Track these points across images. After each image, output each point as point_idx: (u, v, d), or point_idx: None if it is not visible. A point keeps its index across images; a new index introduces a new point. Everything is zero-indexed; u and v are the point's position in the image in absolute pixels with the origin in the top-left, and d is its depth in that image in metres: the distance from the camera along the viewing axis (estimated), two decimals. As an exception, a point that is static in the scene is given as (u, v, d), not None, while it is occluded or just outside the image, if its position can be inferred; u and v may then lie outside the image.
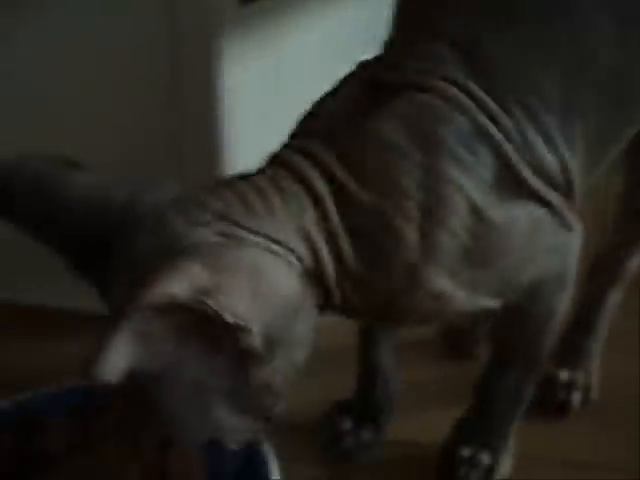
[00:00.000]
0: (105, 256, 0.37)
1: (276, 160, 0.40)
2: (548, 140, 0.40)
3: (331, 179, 0.38)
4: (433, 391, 0.64)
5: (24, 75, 0.73)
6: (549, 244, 0.43)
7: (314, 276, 0.39)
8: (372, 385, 0.56)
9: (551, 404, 0.58)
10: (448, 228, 0.39)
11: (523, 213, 0.41)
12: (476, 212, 0.40)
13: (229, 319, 0.34)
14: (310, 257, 0.39)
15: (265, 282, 0.36)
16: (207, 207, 0.37)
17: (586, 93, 0.41)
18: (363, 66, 0.43)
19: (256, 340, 0.35)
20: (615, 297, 0.60)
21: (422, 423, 0.54)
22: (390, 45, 0.43)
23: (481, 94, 0.39)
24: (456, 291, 0.41)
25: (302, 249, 0.38)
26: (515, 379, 0.48)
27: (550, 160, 0.41)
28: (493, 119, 0.39)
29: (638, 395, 0.60)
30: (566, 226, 0.43)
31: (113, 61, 0.68)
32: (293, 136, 0.43)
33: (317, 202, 0.38)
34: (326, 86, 0.64)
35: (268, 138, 0.68)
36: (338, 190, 0.38)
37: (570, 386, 0.58)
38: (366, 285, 0.41)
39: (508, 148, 0.40)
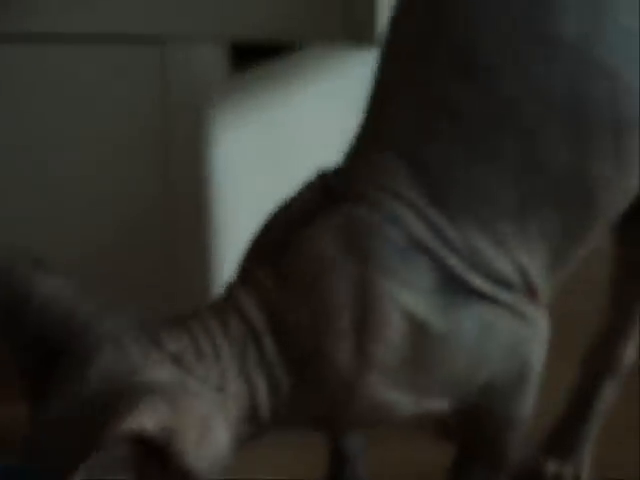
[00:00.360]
0: (54, 365, 0.40)
1: (227, 294, 0.42)
2: (500, 245, 0.40)
3: (271, 311, 0.40)
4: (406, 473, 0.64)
5: (19, 148, 0.73)
6: (505, 344, 0.42)
7: (250, 416, 0.41)
8: (340, 470, 0.56)
9: None
10: (384, 341, 0.39)
11: (472, 317, 0.40)
12: (415, 323, 0.39)
13: (183, 461, 0.37)
14: (248, 399, 0.40)
15: (209, 431, 0.39)
16: (164, 347, 0.39)
17: (541, 195, 0.40)
18: (319, 176, 0.44)
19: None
20: (611, 387, 0.56)
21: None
22: (348, 153, 0.44)
23: (424, 206, 0.39)
24: (400, 398, 0.41)
25: (242, 394, 0.40)
26: (481, 476, 0.47)
27: (503, 264, 0.41)
28: (436, 230, 0.39)
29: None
30: (526, 324, 0.42)
31: (104, 130, 0.67)
32: (248, 254, 0.44)
33: (258, 339, 0.40)
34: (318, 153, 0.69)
35: (258, 202, 0.68)
36: (277, 320, 0.40)
37: (558, 479, 0.56)
38: (303, 406, 0.42)
39: (451, 258, 0.39)
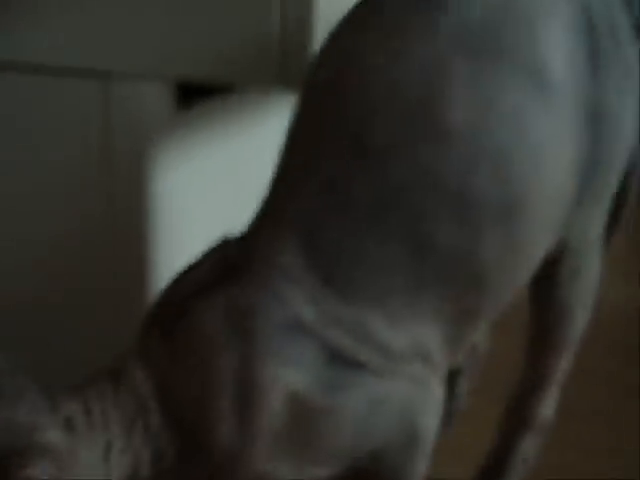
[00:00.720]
0: None
1: (126, 359, 0.42)
2: (393, 320, 0.40)
3: (161, 384, 0.40)
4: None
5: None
6: (396, 413, 0.41)
7: None
8: None
9: None
10: (267, 416, 0.39)
11: (361, 391, 0.39)
12: (299, 399, 0.39)
13: None
14: (131, 469, 0.41)
15: None
16: (59, 411, 0.40)
17: (432, 274, 0.40)
18: (222, 244, 0.44)
19: None
20: (529, 443, 0.55)
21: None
22: (251, 225, 0.44)
23: (314, 285, 0.39)
24: (285, 468, 0.41)
25: (125, 465, 0.40)
26: None
27: (396, 338, 0.40)
28: (324, 310, 0.39)
29: None
30: (420, 393, 0.41)
31: (43, 161, 0.66)
32: (148, 318, 0.43)
33: (146, 413, 0.40)
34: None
35: (197, 239, 0.73)
36: (165, 393, 0.40)
37: None
38: (188, 476, 0.42)
39: (338, 337, 0.39)
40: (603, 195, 0.47)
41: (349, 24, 0.42)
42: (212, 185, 0.74)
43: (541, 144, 0.40)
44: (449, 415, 0.63)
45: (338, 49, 0.41)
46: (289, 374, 0.38)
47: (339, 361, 0.39)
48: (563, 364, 0.53)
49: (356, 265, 0.39)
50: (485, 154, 0.39)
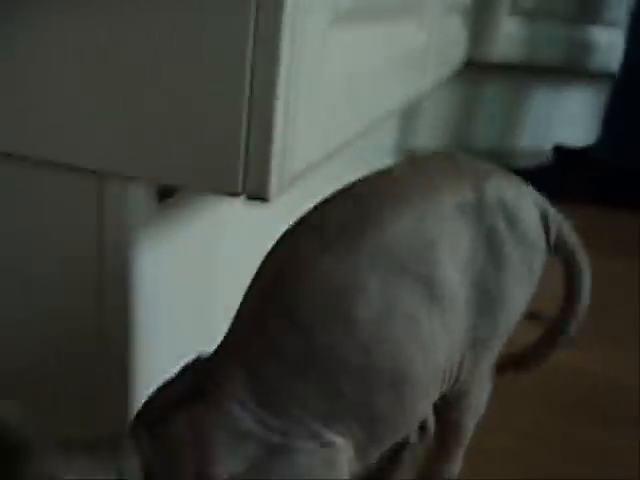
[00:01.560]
0: None
1: (116, 438, 0.50)
2: (311, 432, 0.50)
3: (147, 461, 0.49)
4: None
5: None
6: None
7: None
8: None
9: None
10: None
11: (292, 466, 0.49)
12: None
13: None
14: None
15: None
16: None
17: (341, 412, 0.50)
18: (193, 363, 0.54)
19: None
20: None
21: None
22: (216, 350, 0.53)
23: (254, 406, 0.49)
24: None
25: None
26: None
27: (311, 437, 0.50)
28: (261, 422, 0.49)
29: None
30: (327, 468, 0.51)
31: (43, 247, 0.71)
32: (137, 415, 0.52)
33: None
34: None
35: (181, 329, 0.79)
36: (146, 465, 0.49)
37: None
38: None
39: (272, 437, 0.49)
40: (492, 345, 0.57)
41: (297, 229, 0.54)
42: (191, 267, 0.80)
43: (430, 337, 0.51)
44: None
45: (284, 247, 0.53)
46: (234, 466, 0.48)
47: (267, 454, 0.49)
48: (458, 453, 0.62)
49: (285, 396, 0.49)
50: (383, 341, 0.49)
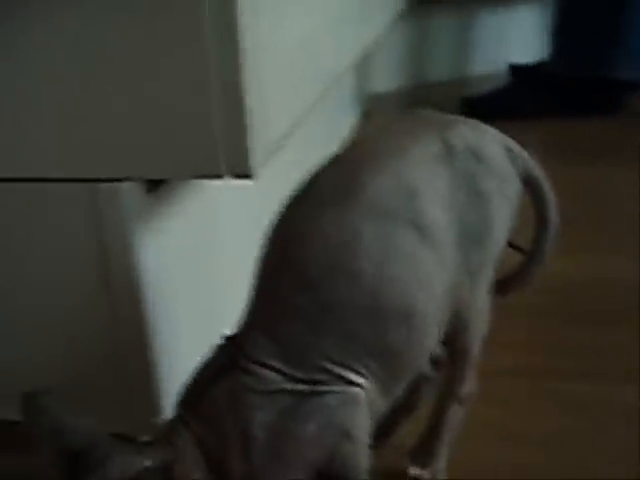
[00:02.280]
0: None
1: (168, 425, 0.56)
2: (335, 377, 0.55)
3: (199, 439, 0.54)
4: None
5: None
6: (336, 425, 0.55)
7: None
8: None
9: None
10: (256, 447, 0.53)
11: (314, 417, 0.54)
12: (273, 430, 0.54)
13: None
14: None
15: None
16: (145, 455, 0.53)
17: (357, 352, 0.55)
18: (224, 342, 0.59)
19: None
20: (456, 414, 0.69)
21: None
22: (241, 326, 0.58)
23: (280, 366, 0.54)
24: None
25: None
26: None
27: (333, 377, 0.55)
28: (288, 377, 0.54)
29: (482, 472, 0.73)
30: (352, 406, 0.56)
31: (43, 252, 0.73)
32: (180, 398, 0.58)
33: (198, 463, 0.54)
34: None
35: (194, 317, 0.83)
36: (204, 447, 0.54)
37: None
38: None
39: (295, 386, 0.54)
40: (485, 271, 0.62)
41: (295, 199, 0.59)
42: (190, 250, 0.83)
43: (427, 273, 0.56)
44: (409, 410, 0.76)
45: (285, 218, 0.58)
46: (269, 418, 0.54)
47: (298, 402, 0.54)
48: (469, 374, 0.68)
49: (306, 351, 0.54)
50: (387, 282, 0.54)
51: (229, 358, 0.56)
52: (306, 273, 0.54)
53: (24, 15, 0.63)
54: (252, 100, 0.62)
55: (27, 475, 0.74)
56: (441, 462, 0.69)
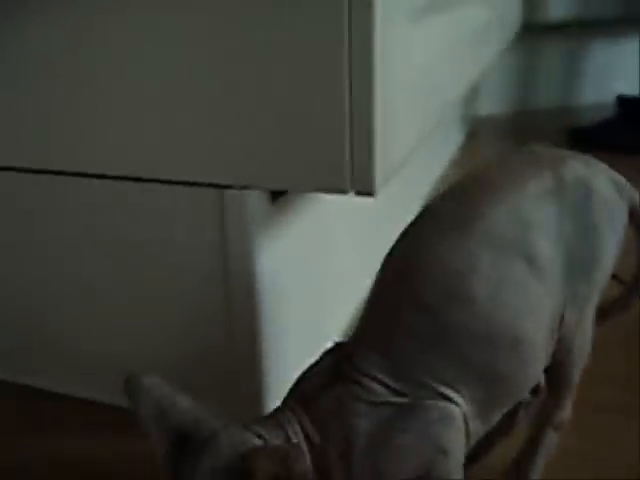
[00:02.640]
0: (181, 449, 0.56)
1: (278, 412, 0.59)
2: (436, 394, 0.57)
3: (306, 432, 0.57)
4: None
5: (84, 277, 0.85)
6: (434, 439, 0.57)
7: None
8: None
9: None
10: (361, 448, 0.56)
11: (414, 430, 0.56)
12: (377, 439, 0.56)
13: None
14: None
15: None
16: (254, 431, 0.56)
17: (467, 376, 0.57)
18: (333, 349, 0.62)
19: None
20: (551, 440, 0.70)
21: None
22: (352, 337, 0.61)
23: (389, 382, 0.57)
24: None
25: None
26: None
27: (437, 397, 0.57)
28: (394, 392, 0.57)
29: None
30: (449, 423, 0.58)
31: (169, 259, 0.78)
32: (289, 393, 0.61)
33: (313, 445, 0.57)
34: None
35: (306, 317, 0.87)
36: (306, 433, 0.57)
37: None
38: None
39: (400, 400, 0.57)
40: (590, 301, 0.64)
41: (414, 225, 0.62)
42: (307, 258, 0.87)
43: (537, 301, 0.58)
44: (503, 434, 0.77)
45: (406, 242, 0.61)
46: (372, 427, 0.56)
47: (399, 413, 0.56)
48: (567, 402, 0.69)
49: (414, 368, 0.57)
50: (500, 308, 0.57)
51: (338, 367, 0.59)
52: (424, 297, 0.56)
53: (177, 22, 0.68)
54: (380, 122, 0.66)
55: (131, 459, 0.78)
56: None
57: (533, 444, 0.71)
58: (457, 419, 0.57)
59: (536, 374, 0.61)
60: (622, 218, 0.65)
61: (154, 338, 0.78)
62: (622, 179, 0.66)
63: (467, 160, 1.93)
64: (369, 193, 0.67)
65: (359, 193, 0.67)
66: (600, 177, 0.64)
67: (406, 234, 0.62)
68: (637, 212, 0.68)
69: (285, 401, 0.60)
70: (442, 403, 0.57)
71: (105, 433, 0.84)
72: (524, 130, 2.28)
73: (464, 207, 0.60)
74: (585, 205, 0.61)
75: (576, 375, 0.67)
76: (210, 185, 0.73)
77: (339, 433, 0.56)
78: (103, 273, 0.82)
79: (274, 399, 0.80)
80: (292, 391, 0.61)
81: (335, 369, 0.59)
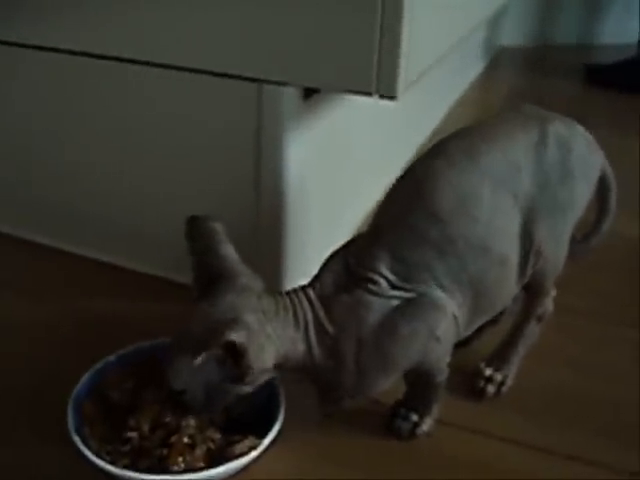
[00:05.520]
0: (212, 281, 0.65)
1: (294, 292, 0.66)
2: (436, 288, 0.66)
3: (317, 316, 0.64)
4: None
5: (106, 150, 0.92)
6: (426, 327, 0.66)
7: (287, 357, 0.64)
8: None
9: (473, 389, 0.80)
10: (363, 340, 0.64)
11: (416, 322, 0.65)
12: (384, 329, 0.64)
13: (246, 363, 0.60)
14: (291, 349, 0.63)
15: (263, 353, 0.61)
16: (262, 302, 0.63)
17: (462, 282, 0.66)
18: (344, 246, 0.70)
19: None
20: (533, 330, 0.81)
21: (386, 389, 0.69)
22: (363, 237, 0.69)
23: (395, 280, 0.65)
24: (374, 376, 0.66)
25: (288, 345, 0.63)
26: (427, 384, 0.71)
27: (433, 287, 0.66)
28: (401, 288, 0.65)
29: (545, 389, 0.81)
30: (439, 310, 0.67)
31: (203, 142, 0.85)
32: (311, 283, 0.68)
33: (307, 327, 0.64)
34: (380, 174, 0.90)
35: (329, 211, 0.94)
36: (319, 323, 0.64)
37: (489, 380, 0.80)
38: (320, 372, 0.65)
39: (404, 294, 0.65)
40: (565, 237, 0.74)
41: (426, 155, 0.70)
42: (332, 153, 0.93)
43: (517, 228, 0.69)
44: (491, 324, 0.84)
45: (421, 166, 0.69)
46: (377, 317, 0.64)
47: (402, 305, 0.65)
48: (546, 299, 0.79)
49: (420, 270, 0.65)
50: (494, 230, 0.67)
51: (350, 265, 0.67)
52: (436, 209, 0.65)
53: None
54: (407, 32, 0.72)
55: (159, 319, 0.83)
56: (512, 369, 0.81)
57: (517, 332, 0.81)
58: (449, 313, 0.67)
59: (513, 290, 0.72)
60: (594, 169, 0.77)
61: (186, 214, 0.85)
62: (595, 142, 0.77)
63: (486, 86, 1.98)
64: (392, 97, 0.74)
65: (383, 96, 0.74)
66: (578, 137, 0.74)
67: (419, 160, 0.71)
68: (603, 172, 0.79)
69: (304, 289, 0.67)
70: (438, 299, 0.66)
71: (135, 297, 0.93)
72: (543, 64, 2.32)
73: (469, 145, 0.69)
74: (564, 158, 0.72)
75: (550, 283, 0.78)
76: (251, 79, 0.79)
77: (352, 323, 0.64)
78: (143, 153, 0.89)
79: (289, 280, 0.88)
80: (310, 284, 0.68)
81: (347, 267, 0.67)
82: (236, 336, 0.59)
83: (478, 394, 0.79)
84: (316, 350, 0.64)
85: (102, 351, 0.73)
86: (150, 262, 0.96)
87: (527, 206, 0.69)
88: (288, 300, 0.66)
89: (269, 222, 0.85)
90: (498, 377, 0.80)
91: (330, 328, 0.64)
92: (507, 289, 0.70)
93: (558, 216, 0.71)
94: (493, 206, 0.66)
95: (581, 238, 0.82)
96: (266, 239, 0.86)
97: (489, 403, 0.79)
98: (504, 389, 0.80)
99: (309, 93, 0.83)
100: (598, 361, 0.86)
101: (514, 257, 0.69)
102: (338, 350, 0.64)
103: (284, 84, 0.78)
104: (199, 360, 0.59)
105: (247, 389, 0.63)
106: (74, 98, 0.91)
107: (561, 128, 0.73)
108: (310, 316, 0.65)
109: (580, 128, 0.76)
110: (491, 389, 0.79)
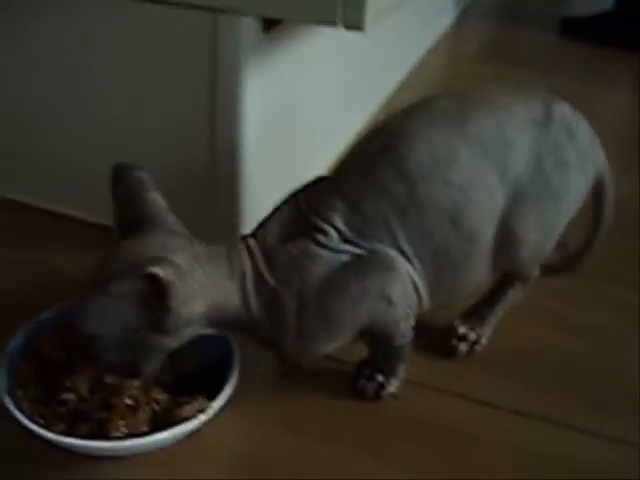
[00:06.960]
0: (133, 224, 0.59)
1: (233, 241, 0.62)
2: (391, 242, 0.61)
3: (256, 265, 0.60)
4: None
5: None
6: (376, 286, 0.61)
7: (218, 308, 0.59)
8: None
9: (445, 347, 0.75)
10: (310, 293, 0.60)
11: (365, 278, 0.60)
12: (331, 283, 0.60)
13: (171, 304, 0.54)
14: (223, 300, 0.59)
15: (193, 299, 0.56)
16: (195, 247, 0.59)
17: (425, 250, 0.62)
18: (300, 190, 0.65)
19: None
20: (516, 293, 0.75)
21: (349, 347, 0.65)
22: (318, 183, 0.65)
23: (347, 230, 0.60)
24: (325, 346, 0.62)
25: (220, 295, 0.59)
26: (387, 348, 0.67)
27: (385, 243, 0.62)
28: (352, 242, 0.61)
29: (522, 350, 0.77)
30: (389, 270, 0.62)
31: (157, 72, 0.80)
32: (254, 231, 0.63)
33: (243, 276, 0.59)
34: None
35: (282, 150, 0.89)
36: (258, 273, 0.60)
37: (462, 338, 0.75)
38: (258, 327, 0.61)
39: (355, 247, 0.61)
40: (555, 230, 0.68)
41: (406, 112, 0.65)
42: (292, 90, 0.88)
43: (498, 206, 0.63)
44: None
45: (397, 119, 0.64)
46: (325, 270, 0.60)
47: (352, 262, 0.60)
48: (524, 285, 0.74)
49: (378, 228, 0.60)
50: (467, 203, 0.61)
51: (302, 213, 0.62)
52: (407, 167, 0.60)
53: None
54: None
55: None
56: (487, 330, 0.76)
57: (497, 292, 0.75)
58: (405, 276, 0.62)
59: (482, 276, 0.66)
60: (592, 165, 0.70)
61: (139, 154, 0.79)
62: (598, 142, 0.71)
63: (458, 36, 1.93)
64: (358, 27, 0.69)
65: (349, 27, 0.69)
66: (583, 125, 0.69)
67: (397, 115, 0.66)
68: (601, 174, 0.72)
69: (244, 238, 0.63)
70: (393, 259, 0.61)
71: (76, 246, 0.87)
72: (517, 15, 2.28)
73: (457, 107, 0.64)
74: (565, 143, 0.66)
75: (530, 273, 0.72)
76: (205, 8, 0.73)
77: (295, 276, 0.60)
78: (94, 87, 0.84)
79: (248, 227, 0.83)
80: (254, 232, 0.63)
81: (299, 213, 0.62)
82: (161, 270, 0.53)
83: (449, 352, 0.75)
84: (253, 303, 0.60)
85: (39, 306, 0.69)
86: (94, 209, 0.91)
87: (515, 186, 0.64)
88: (224, 249, 0.61)
89: (225, 162, 0.81)
90: (472, 336, 0.75)
91: (270, 279, 0.60)
92: (476, 273, 0.65)
93: (549, 204, 0.66)
94: (473, 176, 0.62)
95: (572, 254, 0.78)
96: (222, 182, 0.82)
97: (462, 363, 0.75)
98: (478, 348, 0.75)
99: (270, 25, 0.78)
100: (583, 321, 0.83)
101: (487, 237, 0.64)
102: (277, 304, 0.60)
103: (242, 14, 0.72)
104: (113, 290, 0.54)
105: (170, 343, 0.58)
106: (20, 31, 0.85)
107: (568, 112, 0.68)
108: (248, 265, 0.60)
109: (586, 121, 0.71)
110: (463, 347, 0.75)
